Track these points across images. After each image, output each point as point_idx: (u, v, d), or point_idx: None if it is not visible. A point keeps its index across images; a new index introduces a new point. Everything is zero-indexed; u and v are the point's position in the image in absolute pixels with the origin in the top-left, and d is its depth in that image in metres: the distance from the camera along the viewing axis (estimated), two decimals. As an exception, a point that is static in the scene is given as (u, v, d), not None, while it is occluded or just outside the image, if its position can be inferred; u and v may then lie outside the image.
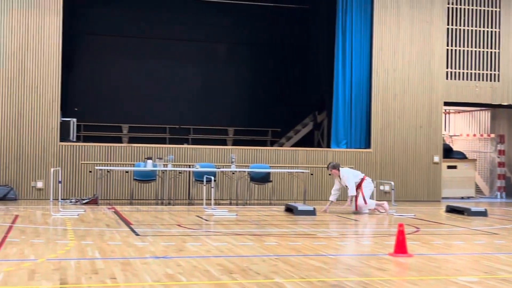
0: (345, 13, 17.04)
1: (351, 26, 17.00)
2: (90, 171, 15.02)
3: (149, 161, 14.18)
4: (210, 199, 13.24)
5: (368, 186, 13.02)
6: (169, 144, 17.52)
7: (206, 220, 11.42)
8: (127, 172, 15.07)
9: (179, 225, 10.46)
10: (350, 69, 16.98)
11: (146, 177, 14.71)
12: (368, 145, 16.97)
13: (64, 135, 15.41)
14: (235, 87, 20.21)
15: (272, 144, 19.92)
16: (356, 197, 12.90)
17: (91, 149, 15.19)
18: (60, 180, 12.87)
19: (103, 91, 18.94)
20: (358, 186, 12.90)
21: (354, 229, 11.20)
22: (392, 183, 15.79)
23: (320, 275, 6.41)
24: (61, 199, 13.18)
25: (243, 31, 20.22)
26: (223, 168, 15.33)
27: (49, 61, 14.96)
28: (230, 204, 14.73)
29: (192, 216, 11.98)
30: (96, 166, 14.65)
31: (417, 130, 17.11)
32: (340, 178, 13.01)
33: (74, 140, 15.92)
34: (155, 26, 19.40)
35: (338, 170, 13.06)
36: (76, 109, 17.66)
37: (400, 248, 7.66)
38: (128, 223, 10.50)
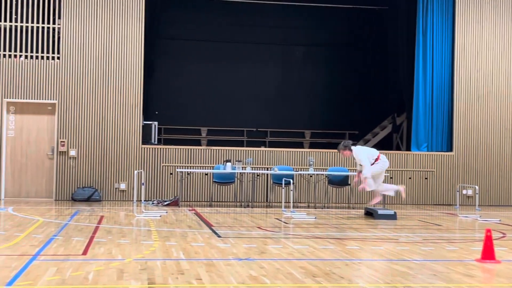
0: (425, 13, 16.72)
1: (432, 26, 16.66)
2: (171, 173, 15.32)
3: (228, 164, 14.32)
4: (289, 202, 13.24)
5: (379, 164, 12.12)
6: (247, 147, 17.64)
7: (286, 222, 11.43)
8: (206, 174, 15.28)
9: (259, 227, 10.51)
10: (431, 70, 16.64)
11: (225, 180, 14.87)
12: (450, 148, 16.57)
13: (145, 138, 15.79)
14: (312, 89, 20.15)
15: (349, 147, 19.70)
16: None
17: (172, 152, 15.48)
18: (143, 182, 13.18)
19: (182, 94, 19.26)
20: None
21: (438, 234, 10.94)
22: (477, 187, 15.35)
23: (406, 281, 6.29)
24: (144, 200, 13.49)
25: (320, 33, 20.14)
26: (301, 171, 15.31)
27: (132, 66, 15.35)
28: (308, 207, 14.69)
29: (271, 218, 12.02)
30: (177, 168, 14.92)
31: (502, 132, 16.58)
32: (354, 159, 12.40)
33: (155, 143, 16.28)
34: (233, 29, 19.59)
35: (350, 150, 12.14)
36: (156, 112, 18.05)
37: (488, 254, 7.43)
38: (209, 225, 10.63)
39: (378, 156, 12.20)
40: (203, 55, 19.58)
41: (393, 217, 12.14)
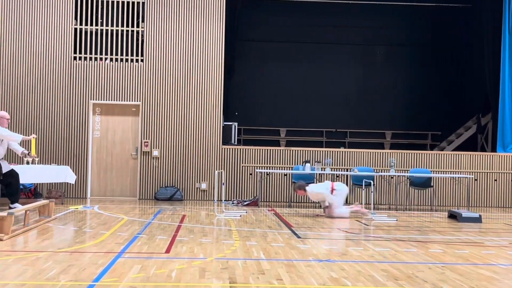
0: (511, 9, 16.15)
1: (518, 23, 16.09)
2: (251, 174, 15.43)
3: (307, 165, 14.29)
4: (369, 204, 13.08)
5: (340, 193, 12.12)
6: (326, 147, 17.56)
7: (366, 224, 11.30)
8: (285, 175, 15.30)
9: (338, 229, 10.43)
10: (518, 69, 16.07)
11: (304, 180, 14.83)
12: (538, 150, 15.94)
13: (226, 139, 15.98)
14: (393, 89, 19.84)
15: (432, 148, 19.32)
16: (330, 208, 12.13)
17: (251, 152, 15.60)
18: (223, 182, 13.33)
19: (261, 95, 19.38)
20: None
21: (525, 238, 10.54)
22: None
23: (492, 285, 6.10)
24: (224, 200, 13.65)
25: (402, 32, 19.81)
26: (381, 172, 15.10)
27: (212, 67, 15.57)
28: (389, 209, 14.46)
29: (351, 220, 11.90)
30: (256, 169, 15.02)
31: None
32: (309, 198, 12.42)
33: (235, 143, 16.45)
34: (312, 30, 19.54)
35: (304, 190, 12.23)
36: (236, 113, 18.23)
37: None
38: (288, 225, 10.64)
39: (332, 186, 12.16)
40: (283, 56, 19.63)
41: (478, 220, 11.80)
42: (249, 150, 15.68)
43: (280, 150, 15.80)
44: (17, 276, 6.07)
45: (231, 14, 17.01)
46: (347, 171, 15.18)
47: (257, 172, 14.71)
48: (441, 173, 15.34)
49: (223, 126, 15.77)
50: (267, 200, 15.28)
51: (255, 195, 15.00)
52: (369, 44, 19.87)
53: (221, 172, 13.75)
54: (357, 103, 19.73)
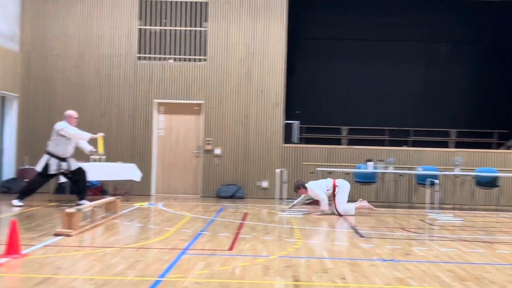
0: None
1: None
2: (312, 172, 15.39)
3: (370, 163, 14.16)
4: (433, 203, 12.86)
5: (342, 190, 12.04)
6: (388, 146, 17.34)
7: (430, 224, 11.11)
8: (347, 173, 15.20)
9: (402, 228, 10.30)
10: None
11: (366, 179, 14.72)
12: None
13: (287, 137, 15.99)
14: (458, 87, 19.41)
15: (498, 147, 18.81)
16: (335, 204, 11.99)
17: (313, 151, 15.56)
18: (284, 180, 13.34)
19: (322, 94, 19.28)
20: (333, 194, 12.04)
21: None
22: None
23: None
24: (286, 198, 13.66)
25: (466, 29, 19.36)
26: (446, 171, 14.81)
27: (274, 65, 15.61)
28: (454, 208, 14.18)
29: (415, 219, 11.74)
30: (318, 167, 14.96)
31: None
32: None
33: (297, 142, 16.44)
34: (374, 28, 19.31)
35: (305, 188, 12.14)
36: (298, 112, 18.20)
37: None
38: (351, 225, 10.58)
39: (334, 183, 12.09)
40: (345, 54, 19.47)
41: (547, 221, 11.44)
42: (310, 148, 15.64)
43: (341, 149, 15.70)
44: (85, 271, 6.25)
45: (294, 13, 16.99)
46: (410, 170, 14.96)
47: (318, 170, 14.66)
48: (508, 172, 14.93)
49: (284, 125, 15.78)
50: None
51: (316, 194, 14.94)
52: (432, 42, 19.49)
53: (283, 170, 13.77)
54: (421, 101, 19.39)
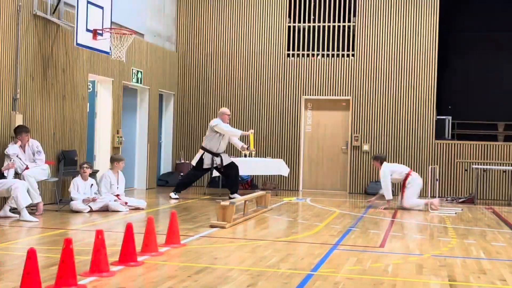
0: None
1: None
2: (466, 170, 14.81)
3: (529, 161, 13.37)
4: None
5: (413, 184, 11.78)
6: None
7: None
8: (504, 171, 14.46)
9: None
10: None
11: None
12: None
13: (439, 133, 15.49)
14: None
15: None
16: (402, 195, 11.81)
17: (466, 148, 14.96)
18: (436, 177, 12.95)
19: (476, 88, 18.45)
20: (403, 184, 11.81)
21: None
22: None
23: None
24: (438, 196, 13.24)
25: None
26: None
27: (425, 59, 15.18)
28: None
29: None
30: (472, 164, 14.38)
31: None
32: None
33: (449, 138, 15.88)
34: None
35: (380, 163, 11.98)
36: (450, 107, 17.58)
37: None
38: (509, 225, 10.05)
39: (409, 173, 11.95)
40: (499, 47, 18.52)
41: None
42: (464, 145, 15.05)
43: (498, 145, 14.96)
44: (240, 262, 6.44)
45: (445, 4, 16.41)
46: None
47: (473, 168, 14.09)
48: None
49: (436, 120, 15.30)
50: (484, 198, 14.56)
51: (470, 192, 14.37)
52: None
53: (435, 167, 13.37)
54: None
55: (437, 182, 13.03)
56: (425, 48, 15.19)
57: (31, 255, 4.57)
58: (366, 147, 15.40)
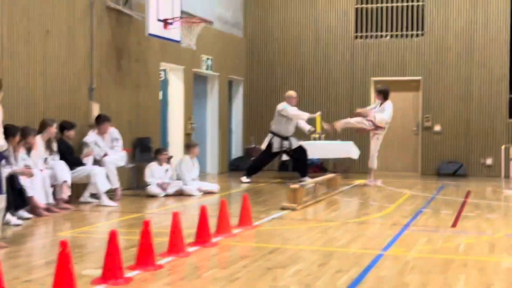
0: None
1: None
2: (542, 149, 14.43)
3: None
4: None
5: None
6: None
7: None
8: None
9: None
10: None
11: None
12: None
13: (512, 112, 15.13)
14: None
15: None
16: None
17: (542, 126, 14.57)
18: (510, 157, 12.70)
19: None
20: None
21: None
22: None
23: None
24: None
25: None
26: None
27: (497, 37, 14.83)
28: None
29: None
30: (548, 143, 14.01)
31: None
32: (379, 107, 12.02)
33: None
34: None
35: (384, 97, 11.99)
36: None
37: None
38: None
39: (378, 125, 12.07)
40: None
41: None
42: (539, 123, 14.65)
43: None
44: (311, 243, 6.59)
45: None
46: None
47: (549, 146, 13.73)
48: None
49: (509, 99, 14.94)
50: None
51: (547, 172, 14.01)
52: None
53: (509, 146, 13.10)
54: None
55: (511, 162, 12.76)
56: (497, 24, 14.83)
57: (113, 237, 4.84)
58: (437, 128, 15.21)
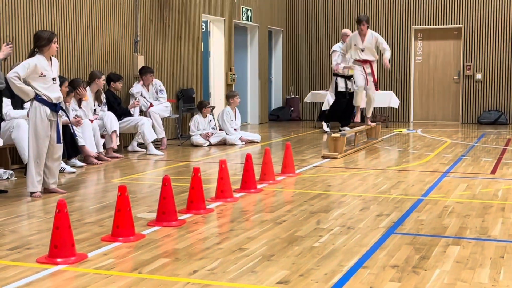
0: None
1: None
2: None
3: None
4: None
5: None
6: None
7: None
8: None
9: None
10: None
11: None
12: None
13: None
14: None
15: None
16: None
17: None
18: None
19: None
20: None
21: None
22: None
23: None
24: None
25: None
26: None
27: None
28: None
29: None
30: None
31: None
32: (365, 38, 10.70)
33: None
34: None
35: (369, 26, 10.81)
36: None
37: None
38: None
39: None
40: None
41: None
42: None
43: None
44: (353, 189, 6.82)
45: None
46: None
47: None
48: None
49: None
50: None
51: None
52: None
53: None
54: None
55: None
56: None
57: (166, 181, 5.14)
58: (478, 76, 15.12)
